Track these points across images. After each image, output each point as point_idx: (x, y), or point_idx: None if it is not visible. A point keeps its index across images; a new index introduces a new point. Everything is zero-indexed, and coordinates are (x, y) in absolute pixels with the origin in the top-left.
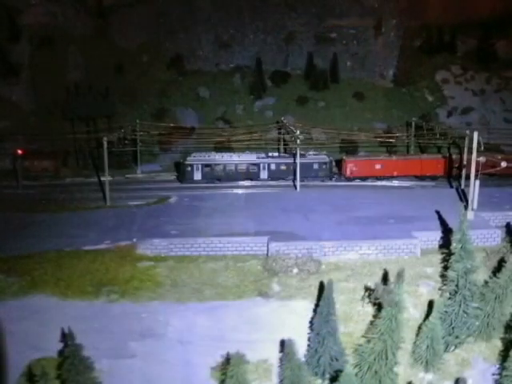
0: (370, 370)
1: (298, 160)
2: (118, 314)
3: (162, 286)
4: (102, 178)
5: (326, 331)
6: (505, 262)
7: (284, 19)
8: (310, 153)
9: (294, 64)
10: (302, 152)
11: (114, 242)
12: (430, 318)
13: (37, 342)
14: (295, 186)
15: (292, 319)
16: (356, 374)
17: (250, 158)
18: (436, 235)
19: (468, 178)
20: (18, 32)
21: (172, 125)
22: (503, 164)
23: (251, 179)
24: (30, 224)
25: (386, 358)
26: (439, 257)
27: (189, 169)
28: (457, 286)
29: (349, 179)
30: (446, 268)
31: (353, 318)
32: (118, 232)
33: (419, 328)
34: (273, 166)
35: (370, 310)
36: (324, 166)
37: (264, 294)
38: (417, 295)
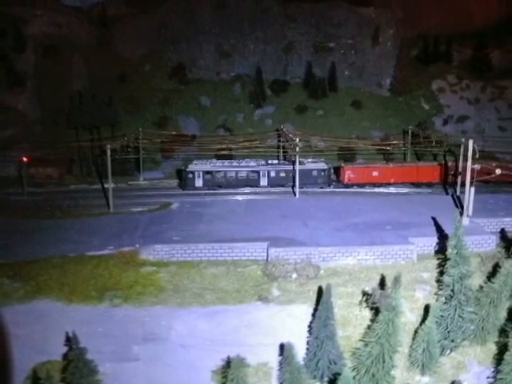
0: (367, 373)
1: (297, 167)
2: (122, 319)
3: (164, 290)
4: (106, 185)
5: (324, 335)
6: (499, 267)
7: (283, 29)
8: (309, 160)
9: (293, 73)
10: (301, 159)
11: (117, 248)
12: (426, 322)
13: (42, 345)
14: (294, 193)
15: (291, 323)
16: (354, 377)
17: (250, 165)
18: (432, 241)
19: (463, 184)
20: (23, 42)
21: (174, 133)
22: (498, 171)
23: (251, 186)
24: (35, 230)
25: (383, 362)
26: (435, 262)
27: (190, 176)
28: (452, 290)
29: (347, 186)
30: (441, 273)
31: (351, 322)
32: (121, 238)
33: (416, 332)
34: (272, 173)
35: (367, 314)
36: (323, 173)
37: (264, 299)
38: (413, 300)
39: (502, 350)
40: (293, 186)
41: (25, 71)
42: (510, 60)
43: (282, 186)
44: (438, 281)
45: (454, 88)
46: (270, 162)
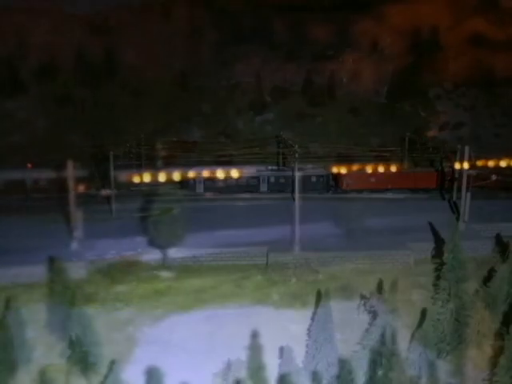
0: (365, 376)
1: (297, 173)
2: (124, 322)
3: (165, 294)
4: (108, 191)
5: (323, 338)
6: (495, 271)
7: (283, 37)
8: (308, 166)
9: (293, 80)
10: (300, 165)
11: (119, 253)
12: (423, 325)
13: (45, 348)
14: (293, 198)
15: (290, 327)
16: (352, 380)
17: (250, 171)
18: (429, 246)
19: (460, 190)
20: (27, 50)
21: (175, 139)
22: (493, 177)
23: (251, 192)
24: (39, 235)
25: (381, 365)
26: (432, 266)
27: (192, 181)
28: (449, 294)
29: (345, 192)
30: (438, 277)
31: (349, 325)
32: (123, 242)
33: (412, 335)
34: (272, 179)
35: (365, 317)
36: (321, 179)
37: (263, 303)
38: (410, 303)
39: (497, 353)
40: (292, 192)
41: (28, 78)
42: (505, 68)
43: (282, 191)
44: (435, 285)
45: (451, 95)
46: (269, 168)
